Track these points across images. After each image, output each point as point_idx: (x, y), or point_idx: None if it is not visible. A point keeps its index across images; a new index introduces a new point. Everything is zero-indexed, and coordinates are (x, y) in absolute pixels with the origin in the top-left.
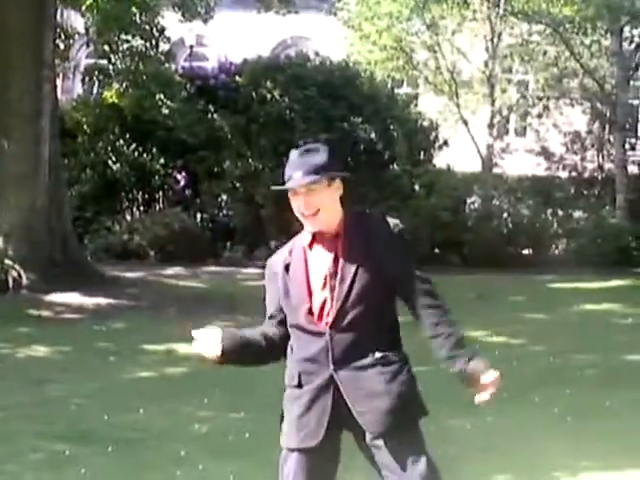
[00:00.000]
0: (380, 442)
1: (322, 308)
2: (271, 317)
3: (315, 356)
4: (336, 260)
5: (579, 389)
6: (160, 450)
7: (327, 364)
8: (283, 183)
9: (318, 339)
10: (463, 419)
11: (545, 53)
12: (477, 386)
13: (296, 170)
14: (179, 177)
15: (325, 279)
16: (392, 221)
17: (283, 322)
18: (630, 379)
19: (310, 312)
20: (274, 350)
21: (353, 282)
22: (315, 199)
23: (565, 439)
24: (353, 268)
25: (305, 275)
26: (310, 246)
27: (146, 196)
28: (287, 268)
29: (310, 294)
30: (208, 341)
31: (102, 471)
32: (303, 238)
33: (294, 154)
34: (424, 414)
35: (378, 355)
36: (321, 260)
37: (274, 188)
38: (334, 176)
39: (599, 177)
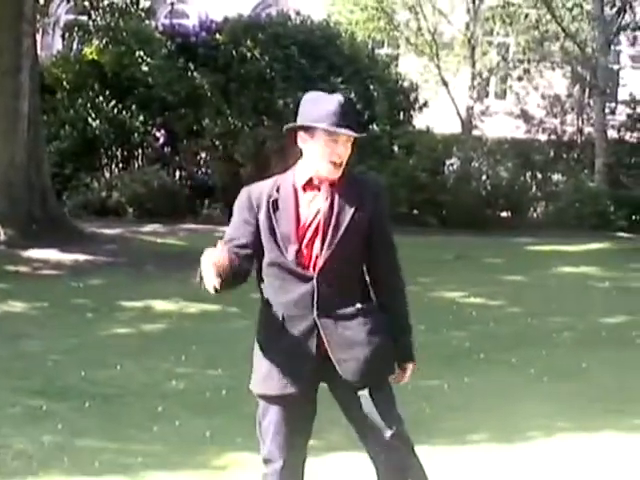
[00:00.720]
0: (357, 392)
1: (311, 252)
2: (231, 240)
3: (300, 300)
4: (331, 207)
5: (556, 350)
6: (137, 406)
7: (311, 309)
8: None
9: (304, 283)
10: (441, 379)
11: (526, 16)
12: (400, 371)
13: (349, 121)
14: (158, 135)
15: (318, 224)
16: (378, 180)
17: (244, 248)
18: (606, 341)
19: (298, 254)
20: (243, 274)
21: (346, 231)
22: (348, 151)
23: (541, 400)
24: (347, 218)
25: (295, 215)
26: (304, 188)
27: (125, 153)
28: (275, 204)
29: (299, 236)
30: (217, 258)
31: (79, 426)
32: (296, 177)
33: (342, 102)
34: (394, 371)
35: (360, 305)
36: (315, 205)
37: (334, 129)
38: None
39: (578, 141)
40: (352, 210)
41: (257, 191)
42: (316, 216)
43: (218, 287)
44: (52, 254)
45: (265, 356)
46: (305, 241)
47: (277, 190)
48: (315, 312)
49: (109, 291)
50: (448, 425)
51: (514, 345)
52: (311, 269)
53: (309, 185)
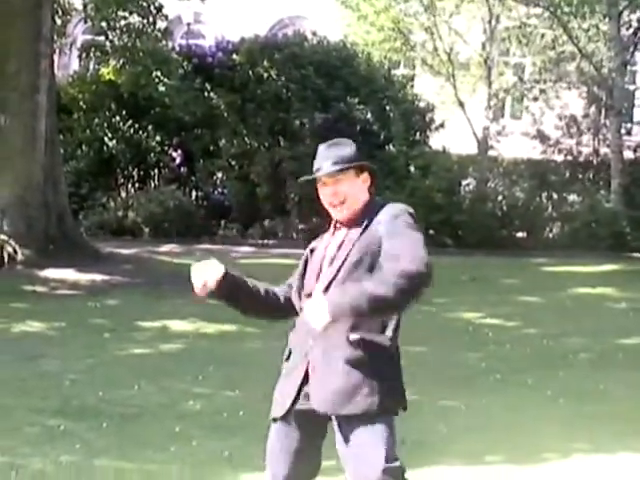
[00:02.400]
0: (335, 426)
1: (311, 285)
2: (289, 285)
3: (300, 332)
4: (340, 246)
5: (572, 372)
6: (154, 426)
7: (307, 340)
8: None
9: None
10: (458, 400)
11: (543, 36)
12: None
13: (325, 161)
14: (175, 155)
15: (322, 259)
16: (398, 206)
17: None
18: (623, 363)
19: (309, 295)
20: (273, 306)
21: (344, 262)
22: (342, 188)
23: (557, 421)
24: (347, 248)
25: (320, 261)
26: (333, 233)
27: (141, 173)
28: (312, 251)
29: (318, 279)
30: (209, 270)
31: (97, 446)
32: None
33: (322, 147)
34: (385, 411)
35: (353, 338)
36: (332, 246)
37: (302, 179)
38: (361, 166)
39: (594, 161)
40: (354, 239)
41: (311, 244)
42: (329, 255)
43: (199, 293)
44: (69, 274)
45: (277, 384)
46: (320, 279)
47: (320, 239)
48: (310, 342)
49: (126, 311)
50: (465, 446)
51: (530, 366)
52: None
53: (337, 228)
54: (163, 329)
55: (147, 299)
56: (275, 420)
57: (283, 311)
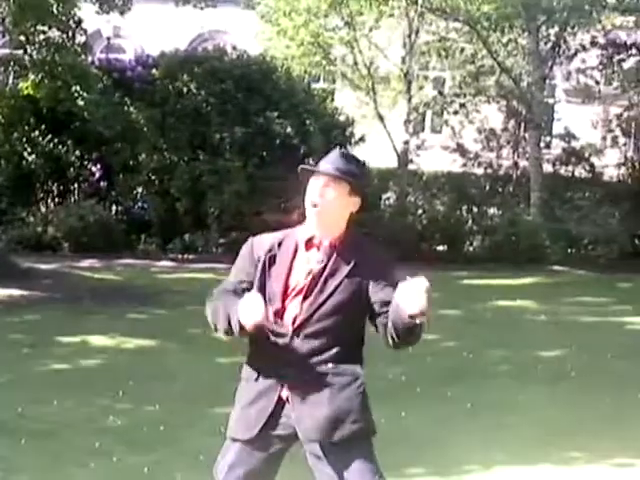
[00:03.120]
0: (318, 451)
1: (291, 310)
2: (240, 282)
3: (274, 355)
4: (323, 270)
5: (492, 384)
6: (74, 442)
7: (282, 365)
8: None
9: (280, 339)
10: (377, 413)
11: (462, 50)
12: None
13: (331, 163)
14: (94, 169)
15: (304, 285)
16: (377, 246)
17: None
18: (542, 374)
19: (277, 313)
20: None
21: (331, 295)
22: (328, 194)
23: (478, 433)
24: (336, 282)
25: (286, 274)
26: (305, 246)
27: (61, 188)
28: (271, 259)
29: (285, 296)
30: (253, 306)
31: (16, 463)
32: (298, 234)
33: (336, 151)
34: (370, 433)
35: (331, 366)
36: (307, 266)
37: (304, 167)
38: (357, 188)
39: (514, 174)
40: (343, 275)
41: (260, 242)
42: (306, 277)
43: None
44: None
45: (237, 401)
46: (289, 298)
47: (279, 245)
48: (285, 369)
49: (46, 326)
50: (386, 459)
51: (451, 379)
52: (289, 326)
53: (310, 243)
54: (83, 344)
55: (67, 314)
56: (235, 440)
57: None
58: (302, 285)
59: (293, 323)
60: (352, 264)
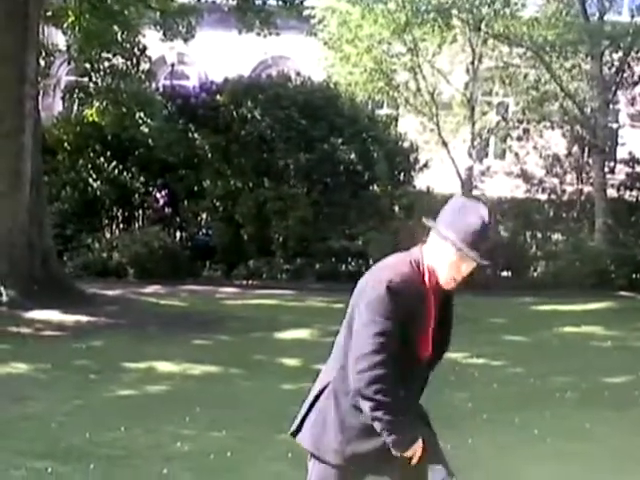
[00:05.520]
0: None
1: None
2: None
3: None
4: (438, 314)
5: (559, 411)
6: (142, 468)
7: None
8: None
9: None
10: (444, 441)
11: (525, 76)
12: None
13: (483, 244)
14: (159, 195)
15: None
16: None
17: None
18: (609, 401)
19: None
20: None
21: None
22: (470, 269)
23: (545, 460)
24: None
25: (427, 319)
26: (426, 293)
27: (126, 214)
28: (413, 311)
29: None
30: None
31: None
32: (426, 278)
33: (483, 222)
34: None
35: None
36: (433, 309)
37: (477, 260)
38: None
39: (578, 200)
40: (443, 318)
41: (399, 290)
42: (432, 319)
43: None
44: (54, 315)
45: (367, 437)
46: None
47: (411, 285)
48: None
49: (112, 352)
50: None
51: (517, 405)
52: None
53: (434, 288)
54: (149, 370)
55: (132, 340)
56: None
57: None
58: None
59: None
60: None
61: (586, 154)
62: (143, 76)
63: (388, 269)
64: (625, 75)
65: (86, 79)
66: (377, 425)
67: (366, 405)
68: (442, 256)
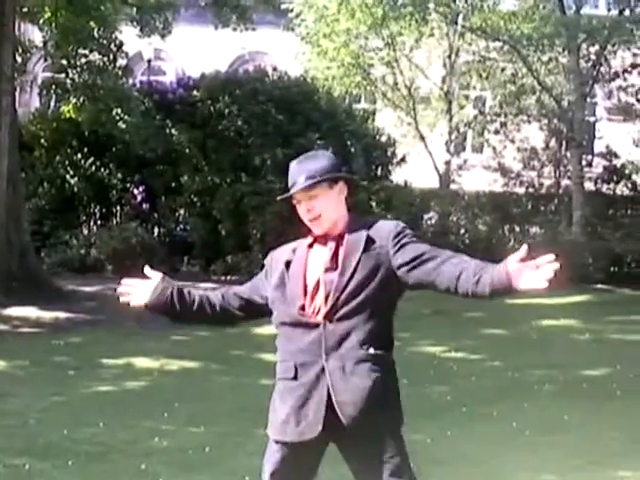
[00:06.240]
0: (357, 440)
1: (314, 300)
2: (241, 292)
3: (309, 347)
4: (335, 255)
5: (537, 403)
6: (120, 464)
7: (320, 354)
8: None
9: (312, 330)
10: (423, 434)
11: (503, 70)
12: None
13: (298, 176)
14: (136, 191)
15: (321, 275)
16: (390, 221)
17: (248, 302)
18: (587, 393)
19: (302, 308)
20: (218, 312)
21: (352, 276)
22: (317, 203)
23: (524, 453)
24: (353, 263)
25: (303, 273)
26: (311, 245)
27: (103, 210)
28: (287, 265)
29: (305, 291)
30: (140, 290)
31: None
32: (309, 238)
33: (293, 164)
34: (402, 422)
35: (371, 351)
36: (320, 256)
37: (279, 198)
38: (334, 178)
39: (556, 193)
40: (360, 252)
41: (278, 254)
42: (320, 266)
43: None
44: (32, 312)
45: (281, 404)
46: (310, 292)
47: (293, 252)
48: (324, 357)
49: (90, 348)
50: (434, 479)
51: (496, 398)
52: (318, 317)
53: (317, 242)
54: (127, 366)
55: (111, 336)
56: (290, 444)
57: (226, 318)
58: (318, 276)
59: (320, 313)
60: (364, 240)
61: (564, 147)
62: (120, 72)
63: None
64: (602, 69)
65: (63, 75)
66: None
67: None
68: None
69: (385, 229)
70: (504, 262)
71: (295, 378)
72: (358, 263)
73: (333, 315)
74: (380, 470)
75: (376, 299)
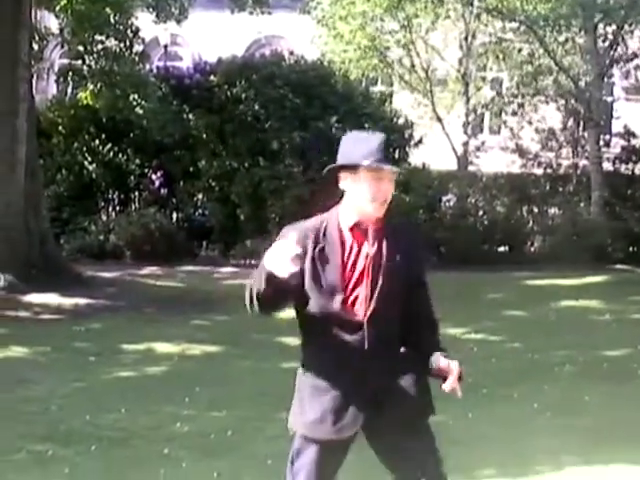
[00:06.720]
0: (397, 437)
1: (358, 297)
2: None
3: (350, 345)
4: (379, 251)
5: (558, 384)
6: (143, 449)
7: (361, 354)
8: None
9: (353, 329)
10: (445, 415)
11: (519, 51)
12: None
13: (384, 154)
14: (154, 177)
15: (364, 268)
16: (412, 226)
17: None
18: (608, 374)
19: (344, 302)
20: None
21: (391, 275)
22: (392, 188)
23: (545, 434)
24: (391, 263)
25: (342, 263)
26: (351, 232)
27: (122, 196)
28: (322, 252)
29: (346, 284)
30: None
31: (86, 471)
32: (341, 220)
33: (378, 139)
34: (434, 413)
35: (402, 349)
36: (362, 250)
37: (379, 165)
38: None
39: (574, 174)
40: (395, 255)
41: (304, 232)
42: (365, 260)
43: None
44: (52, 298)
45: (317, 400)
46: (351, 286)
47: (324, 235)
48: (365, 357)
49: (110, 334)
50: (454, 461)
51: (516, 380)
52: (360, 315)
53: (357, 228)
54: (148, 352)
55: (131, 322)
56: (326, 441)
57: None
58: (361, 269)
59: (364, 310)
60: (403, 247)
61: (581, 128)
62: (136, 58)
63: None
64: (619, 48)
65: (79, 62)
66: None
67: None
68: (360, 188)
69: (408, 235)
70: (437, 360)
71: (332, 377)
72: (395, 263)
73: (376, 316)
74: (410, 452)
75: (400, 299)
